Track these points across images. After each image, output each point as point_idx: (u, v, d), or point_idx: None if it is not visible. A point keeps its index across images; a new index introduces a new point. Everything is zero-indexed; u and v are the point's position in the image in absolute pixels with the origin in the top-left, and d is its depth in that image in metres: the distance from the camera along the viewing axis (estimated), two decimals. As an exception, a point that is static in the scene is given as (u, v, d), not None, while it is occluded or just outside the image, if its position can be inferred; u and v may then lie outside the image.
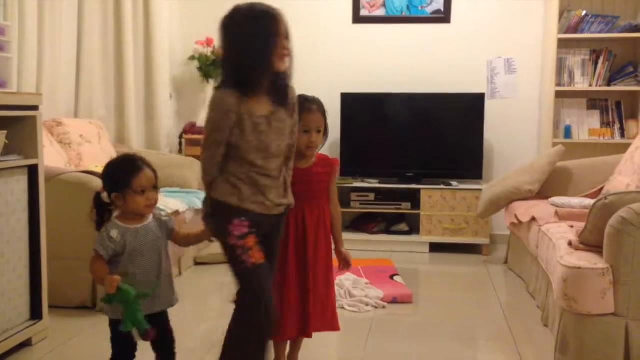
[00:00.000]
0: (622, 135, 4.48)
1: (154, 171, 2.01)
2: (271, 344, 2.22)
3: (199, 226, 2.09)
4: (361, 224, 4.69)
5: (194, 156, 4.58)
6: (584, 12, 4.42)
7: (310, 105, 2.24)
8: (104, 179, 2.01)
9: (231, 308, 3.39)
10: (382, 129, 4.76)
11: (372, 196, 4.61)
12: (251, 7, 1.91)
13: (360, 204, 4.63)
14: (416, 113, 4.74)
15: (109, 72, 4.51)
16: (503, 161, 4.79)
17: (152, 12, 4.69)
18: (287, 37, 1.95)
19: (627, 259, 2.32)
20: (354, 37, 4.90)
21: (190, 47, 4.88)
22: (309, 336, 2.30)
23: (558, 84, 4.50)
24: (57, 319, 2.97)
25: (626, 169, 3.48)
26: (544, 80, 4.66)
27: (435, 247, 4.55)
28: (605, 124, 4.54)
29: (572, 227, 2.93)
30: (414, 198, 4.59)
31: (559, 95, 4.49)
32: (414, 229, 4.63)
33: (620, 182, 3.44)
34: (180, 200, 3.79)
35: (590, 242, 2.53)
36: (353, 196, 4.62)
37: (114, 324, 2.00)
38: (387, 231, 4.62)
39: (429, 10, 4.82)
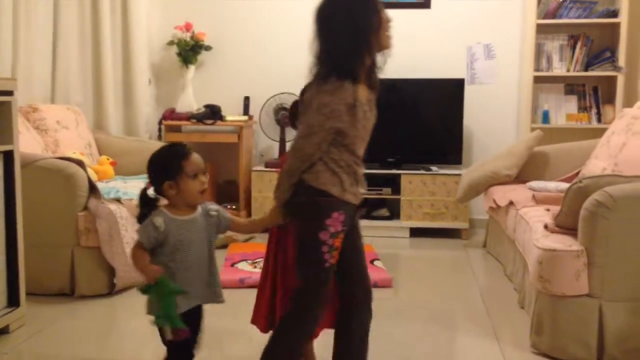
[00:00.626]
0: (599, 120, 4.53)
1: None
2: None
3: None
4: (342, 209, 4.70)
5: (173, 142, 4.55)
6: (562, -2, 4.46)
7: None
8: (153, 170, 1.86)
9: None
10: (363, 114, 4.75)
11: (352, 181, 4.61)
12: None
13: (341, 190, 4.63)
14: (396, 98, 4.74)
15: (86, 57, 4.46)
16: (482, 146, 4.82)
17: (129, -4, 4.63)
18: (383, 9, 1.89)
19: (601, 241, 2.36)
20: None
21: (169, 33, 4.83)
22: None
23: (536, 69, 4.53)
24: (34, 306, 2.95)
25: (602, 153, 3.53)
26: (522, 65, 4.69)
27: (415, 232, 4.58)
28: (583, 108, 4.59)
29: (548, 210, 2.97)
30: (394, 183, 4.61)
31: (537, 80, 4.53)
32: (394, 214, 4.66)
33: (596, 166, 3.49)
34: (159, 187, 3.77)
35: (565, 225, 2.57)
36: (334, 182, 4.62)
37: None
38: (368, 216, 4.64)
39: (409, -5, 4.81)
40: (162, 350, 2.62)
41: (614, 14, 4.39)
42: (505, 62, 4.77)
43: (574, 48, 4.52)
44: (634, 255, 2.36)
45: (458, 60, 4.81)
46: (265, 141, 4.94)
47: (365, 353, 2.02)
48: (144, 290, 1.81)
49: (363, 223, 4.56)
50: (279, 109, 4.74)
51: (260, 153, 5.02)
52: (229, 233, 2.09)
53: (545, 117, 4.56)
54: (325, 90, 1.79)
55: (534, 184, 3.57)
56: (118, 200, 3.34)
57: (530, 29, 4.48)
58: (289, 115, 2.37)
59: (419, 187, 4.52)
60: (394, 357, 2.55)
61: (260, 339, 2.82)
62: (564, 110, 4.60)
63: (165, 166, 1.84)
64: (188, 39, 4.79)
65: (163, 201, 1.87)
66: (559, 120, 4.59)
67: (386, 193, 4.62)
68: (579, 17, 4.45)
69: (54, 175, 3.11)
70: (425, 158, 4.74)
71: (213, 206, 1.94)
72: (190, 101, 4.84)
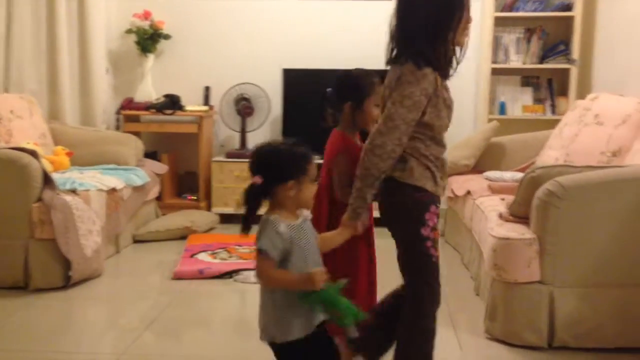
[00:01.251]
0: (553, 112, 4.64)
1: None
2: None
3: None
4: (303, 199, 4.72)
5: (132, 132, 4.49)
6: (519, -9, 4.53)
7: (379, 79, 2.14)
8: (277, 166, 1.67)
9: (169, 285, 3.38)
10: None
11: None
12: None
13: (302, 180, 4.64)
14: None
15: (41, 44, 4.34)
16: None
17: (86, -17, 4.53)
18: (469, 9, 1.82)
19: (553, 229, 2.43)
20: (296, 13, 4.87)
21: (127, 20, 4.75)
22: None
23: (494, 62, 4.60)
24: (-12, 299, 2.89)
25: (555, 143, 3.62)
26: (480, 57, 4.77)
27: (374, 221, 4.61)
28: (538, 100, 4.69)
29: (503, 199, 3.04)
30: (354, 173, 4.63)
31: (494, 72, 4.60)
32: (355, 204, 4.68)
33: (549, 156, 3.58)
34: (117, 178, 3.72)
35: (519, 214, 2.64)
36: (295, 172, 4.63)
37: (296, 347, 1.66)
38: (329, 206, 4.66)
39: (369, -14, 4.83)
40: (120, 342, 2.61)
41: (569, 7, 4.49)
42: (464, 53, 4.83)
43: (530, 41, 4.61)
44: (583, 243, 2.44)
45: (418, 51, 4.84)
46: (225, 131, 4.91)
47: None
48: (309, 299, 1.62)
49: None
50: (240, 99, 4.71)
51: (220, 143, 4.99)
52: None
53: (502, 109, 4.65)
54: (407, 81, 1.72)
55: (491, 174, 3.64)
56: (74, 191, 3.29)
57: (488, 21, 4.55)
58: (321, 106, 2.27)
59: (379, 177, 4.56)
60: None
61: (219, 328, 2.84)
62: (520, 101, 4.68)
63: (295, 164, 1.68)
64: (147, 27, 4.71)
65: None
66: (515, 111, 4.68)
67: (347, 183, 4.63)
68: (534, 10, 4.54)
69: (7, 166, 3.04)
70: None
71: (306, 211, 1.77)
72: (149, 91, 4.77)
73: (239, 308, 3.14)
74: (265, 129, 4.84)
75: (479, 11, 4.76)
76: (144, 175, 4.04)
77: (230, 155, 4.69)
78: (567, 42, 4.57)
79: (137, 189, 3.94)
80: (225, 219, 4.53)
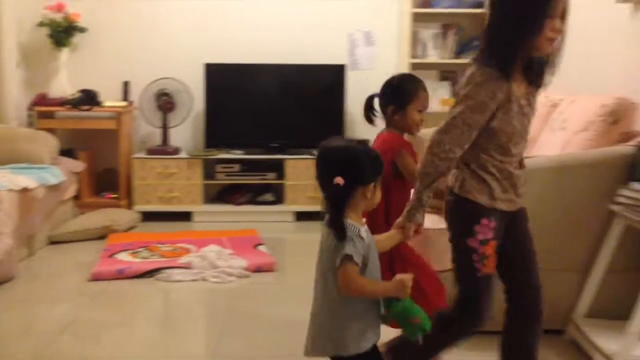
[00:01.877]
0: (470, 105, 4.81)
1: None
2: None
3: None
4: (227, 195, 4.69)
5: (46, 129, 4.31)
6: (435, -12, 4.66)
7: (424, 85, 2.18)
8: (365, 167, 1.59)
9: (88, 287, 3.28)
10: (247, 99, 4.75)
11: (237, 167, 4.61)
12: None
13: (226, 175, 4.61)
14: (280, 84, 4.78)
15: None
16: (364, 130, 4.96)
17: (-8, -28, 4.30)
18: (562, 15, 1.65)
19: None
20: (218, 7, 4.82)
21: (38, 13, 4.55)
22: None
23: (413, 56, 4.72)
24: None
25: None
26: (400, 52, 4.88)
27: (300, 216, 4.65)
28: (455, 94, 4.85)
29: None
30: (279, 168, 4.65)
31: (413, 67, 4.72)
32: (279, 198, 4.71)
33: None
34: (29, 177, 3.57)
35: (436, 205, 2.72)
36: (218, 167, 4.60)
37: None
38: (253, 202, 4.66)
39: (290, -19, 4.84)
40: (37, 346, 2.51)
41: (481, 4, 4.67)
42: (385, 49, 4.93)
43: (446, 36, 4.76)
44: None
45: (341, 46, 4.90)
46: (146, 128, 4.80)
47: None
48: (395, 308, 1.54)
49: (246, 209, 4.68)
50: (160, 95, 4.62)
51: (141, 140, 4.88)
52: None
53: (422, 103, 4.77)
54: (475, 82, 1.65)
55: (410, 166, 3.74)
56: (-18, 192, 3.14)
57: (406, 17, 4.66)
58: (365, 108, 2.26)
59: (303, 171, 4.59)
60: (285, 339, 2.60)
61: (141, 328, 2.78)
62: (438, 95, 4.83)
63: (376, 166, 1.62)
64: (60, 19, 4.53)
65: None
66: (433, 105, 4.81)
67: (270, 178, 4.65)
68: (450, 6, 4.69)
69: None
70: (309, 143, 4.80)
71: None
72: (63, 86, 4.60)
73: (161, 307, 3.09)
74: (188, 125, 4.77)
75: (396, 6, 4.88)
76: (59, 173, 3.90)
77: (151, 151, 4.60)
78: (480, 38, 4.74)
79: (52, 188, 3.80)
80: (147, 217, 4.45)
